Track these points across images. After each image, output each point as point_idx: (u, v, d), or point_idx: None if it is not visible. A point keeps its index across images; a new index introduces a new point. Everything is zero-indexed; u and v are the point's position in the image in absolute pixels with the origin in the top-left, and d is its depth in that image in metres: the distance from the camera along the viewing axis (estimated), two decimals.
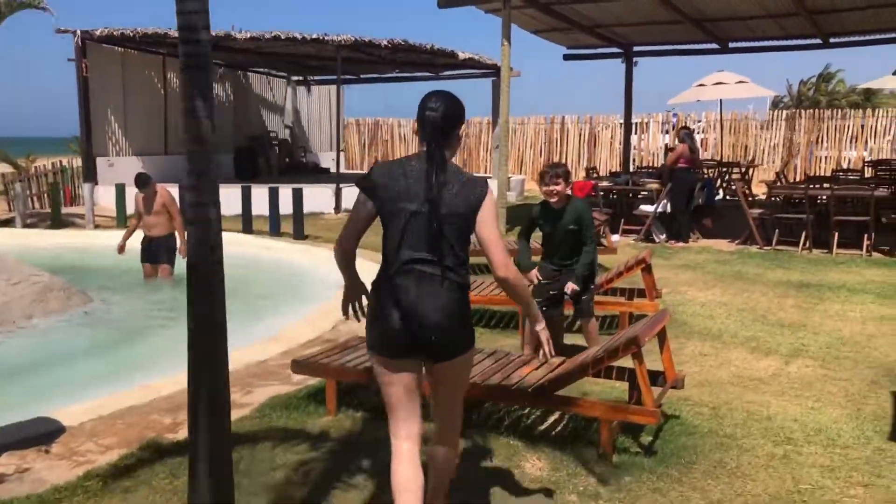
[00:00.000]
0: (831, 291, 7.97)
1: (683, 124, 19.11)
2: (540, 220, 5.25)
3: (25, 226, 13.69)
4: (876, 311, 7.17)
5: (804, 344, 6.04)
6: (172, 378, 5.14)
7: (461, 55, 17.30)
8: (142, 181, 8.56)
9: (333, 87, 22.75)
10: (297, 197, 12.49)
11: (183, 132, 2.69)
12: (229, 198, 12.83)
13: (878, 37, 14.84)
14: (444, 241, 2.71)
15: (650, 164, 19.47)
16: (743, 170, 16.84)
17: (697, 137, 22.30)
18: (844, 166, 19.19)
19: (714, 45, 16.13)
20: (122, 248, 8.94)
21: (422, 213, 2.69)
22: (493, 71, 17.81)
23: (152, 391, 4.81)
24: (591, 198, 12.52)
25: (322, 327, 6.46)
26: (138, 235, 8.98)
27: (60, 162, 16.98)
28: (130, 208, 10.97)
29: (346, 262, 2.94)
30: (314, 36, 15.41)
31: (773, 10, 12.90)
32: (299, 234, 12.27)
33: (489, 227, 2.75)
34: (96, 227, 13.74)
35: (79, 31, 15.52)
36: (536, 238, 5.58)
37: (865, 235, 10.16)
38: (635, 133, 22.37)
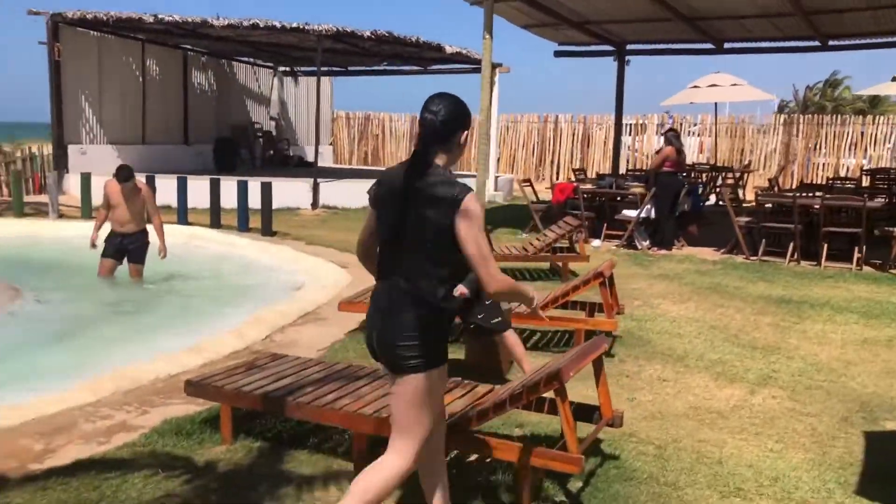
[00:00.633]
0: (814, 309, 7.43)
1: (670, 126, 18.51)
2: None
3: None
4: (859, 332, 6.62)
5: (775, 370, 5.50)
6: (75, 388, 4.66)
7: (448, 49, 16.77)
8: (125, 173, 7.84)
9: (323, 79, 22.29)
10: (266, 191, 11.94)
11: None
12: (202, 190, 12.59)
13: (878, 40, 14.29)
14: (417, 254, 2.66)
15: (642, 167, 18.92)
16: (737, 175, 16.31)
17: (694, 140, 21.80)
18: (842, 174, 18.65)
19: (709, 45, 15.57)
20: (94, 243, 8.15)
21: (395, 222, 2.69)
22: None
23: (28, 410, 4.26)
24: (572, 200, 12.00)
25: (251, 337, 5.94)
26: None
27: (30, 148, 16.41)
28: (96, 199, 10.41)
29: (368, 261, 2.95)
30: (294, 25, 14.88)
31: (768, 8, 12.33)
32: (267, 231, 11.74)
33: (468, 243, 2.61)
34: (60, 216, 13.20)
35: (49, 14, 15.00)
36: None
37: (856, 248, 9.61)
38: (628, 134, 21.84)
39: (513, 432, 4.06)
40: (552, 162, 23.08)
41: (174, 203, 12.67)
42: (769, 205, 10.61)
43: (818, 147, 20.64)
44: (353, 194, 14.27)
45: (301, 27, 14.83)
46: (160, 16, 14.84)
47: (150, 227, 8.17)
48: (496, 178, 18.82)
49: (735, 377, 5.32)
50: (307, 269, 8.92)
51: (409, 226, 2.66)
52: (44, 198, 14.96)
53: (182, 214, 12.68)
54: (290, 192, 14.62)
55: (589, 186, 12.64)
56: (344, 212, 14.68)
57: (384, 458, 2.80)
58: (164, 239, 8.05)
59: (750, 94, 15.94)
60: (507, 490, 3.48)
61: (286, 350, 5.68)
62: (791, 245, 9.89)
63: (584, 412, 3.74)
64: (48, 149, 16.21)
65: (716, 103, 17.43)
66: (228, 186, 12.41)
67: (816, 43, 14.70)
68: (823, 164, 20.42)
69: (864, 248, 9.61)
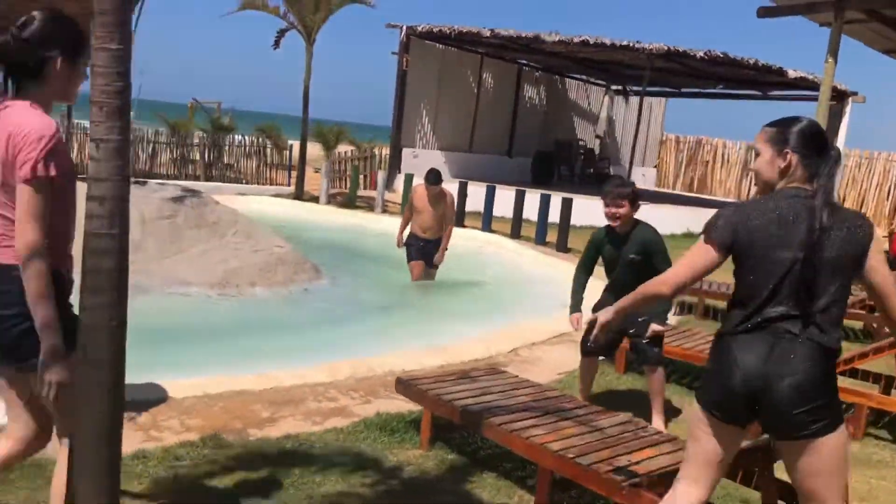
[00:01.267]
0: None
1: None
2: (603, 247, 4.66)
3: (327, 203, 14.92)
4: None
5: None
6: (316, 367, 4.98)
7: (791, 73, 15.31)
8: (433, 177, 7.90)
9: (655, 100, 21.77)
10: (566, 207, 11.93)
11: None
12: (512, 201, 12.89)
13: None
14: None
15: None
16: None
17: None
18: None
19: None
20: (400, 243, 8.35)
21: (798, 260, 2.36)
22: (833, 94, 15.47)
23: (272, 380, 4.63)
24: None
25: (497, 348, 5.87)
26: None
27: (371, 149, 18.29)
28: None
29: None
30: (624, 42, 14.73)
31: None
32: (562, 246, 11.70)
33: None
34: (384, 211, 14.48)
35: (404, 26, 16.52)
36: None
37: None
38: None
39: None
40: None
41: (483, 210, 13.17)
42: None
43: None
44: (667, 220, 13.60)
45: (631, 45, 14.60)
46: (496, 30, 15.58)
47: None
48: None
49: None
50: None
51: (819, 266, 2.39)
52: (375, 193, 16.58)
53: (486, 221, 13.12)
54: (596, 210, 14.40)
55: None
56: None
57: None
58: (447, 246, 8.15)
59: None
60: None
61: (527, 367, 5.56)
62: None
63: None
64: (387, 150, 17.92)
65: None
66: (535, 200, 12.56)
67: None
68: None
69: None
